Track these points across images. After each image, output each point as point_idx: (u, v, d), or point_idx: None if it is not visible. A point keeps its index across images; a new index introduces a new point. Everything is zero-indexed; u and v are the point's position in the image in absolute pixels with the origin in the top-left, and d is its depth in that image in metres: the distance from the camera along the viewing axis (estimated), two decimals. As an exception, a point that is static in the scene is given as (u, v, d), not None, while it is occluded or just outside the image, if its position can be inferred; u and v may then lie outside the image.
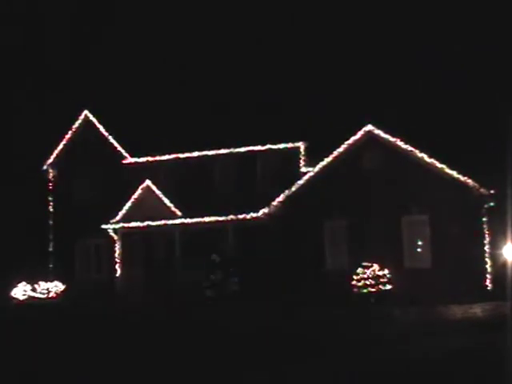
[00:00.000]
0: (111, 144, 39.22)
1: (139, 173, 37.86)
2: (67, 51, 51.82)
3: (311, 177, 33.37)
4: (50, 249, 40.09)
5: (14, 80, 50.63)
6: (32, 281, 37.32)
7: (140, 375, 17.64)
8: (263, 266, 33.53)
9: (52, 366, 19.29)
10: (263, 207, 33.90)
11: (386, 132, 32.47)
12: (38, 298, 36.75)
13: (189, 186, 37.18)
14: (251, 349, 20.53)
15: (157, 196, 36.84)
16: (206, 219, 35.53)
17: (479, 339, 20.48)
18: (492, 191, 30.61)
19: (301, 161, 35.99)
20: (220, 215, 35.32)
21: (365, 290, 30.41)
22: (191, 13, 53.28)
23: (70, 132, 40.22)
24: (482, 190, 30.81)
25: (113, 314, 30.81)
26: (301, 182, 33.56)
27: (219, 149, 37.15)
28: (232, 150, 36.98)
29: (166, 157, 38.03)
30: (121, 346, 22.35)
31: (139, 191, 37.07)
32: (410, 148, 31.96)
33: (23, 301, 36.72)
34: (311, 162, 34.83)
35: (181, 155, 37.74)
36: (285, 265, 32.98)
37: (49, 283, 37.36)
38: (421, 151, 31.77)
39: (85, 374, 18.00)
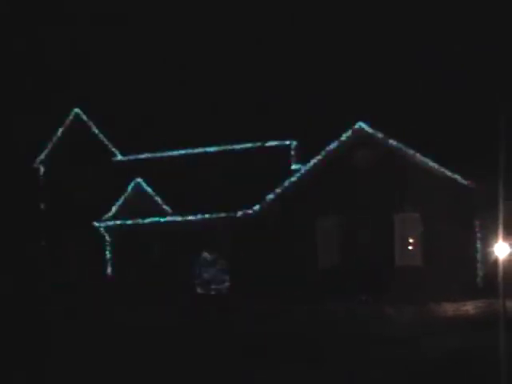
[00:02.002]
0: (102, 141, 39.11)
1: (130, 170, 37.74)
2: (59, 49, 51.63)
3: (302, 174, 33.34)
4: (41, 246, 39.95)
5: (5, 78, 50.41)
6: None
7: (140, 375, 17.62)
8: (254, 263, 33.51)
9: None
10: (254, 205, 33.84)
11: (377, 129, 32.46)
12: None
13: (179, 184, 37.06)
14: (251, 349, 20.51)
15: (148, 194, 36.74)
16: (197, 217, 35.45)
17: (472, 337, 20.52)
18: (484, 189, 30.60)
19: (292, 158, 35.92)
20: (211, 213, 35.25)
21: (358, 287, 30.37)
22: (184, 9, 53.14)
23: (60, 129, 40.08)
24: (473, 187, 30.83)
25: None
26: (292, 179, 33.53)
27: (210, 146, 37.07)
28: (223, 147, 36.91)
29: (157, 154, 37.94)
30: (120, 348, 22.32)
31: (130, 189, 36.97)
32: (401, 146, 31.97)
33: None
34: (302, 160, 34.77)
35: (172, 153, 37.65)
36: (277, 263, 32.94)
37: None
38: (413, 149, 31.78)
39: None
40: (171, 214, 36.12)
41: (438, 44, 44.27)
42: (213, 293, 33.00)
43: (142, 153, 38.23)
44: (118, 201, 37.09)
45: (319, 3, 50.08)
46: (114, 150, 38.86)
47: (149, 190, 36.73)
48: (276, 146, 36.25)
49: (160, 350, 21.31)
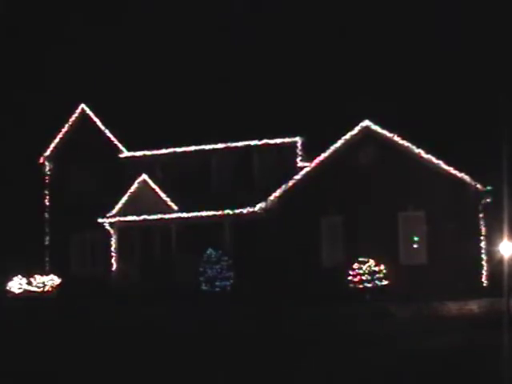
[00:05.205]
0: (108, 138, 39.11)
1: (136, 167, 37.77)
2: (64, 44, 51.71)
3: (308, 172, 33.35)
4: (46, 242, 40.02)
5: (10, 73, 50.52)
6: (28, 274, 37.24)
7: (138, 374, 17.65)
8: (259, 261, 33.53)
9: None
10: (260, 202, 33.87)
11: (383, 128, 32.45)
12: (33, 291, 36.65)
13: (185, 181, 37.11)
14: (250, 349, 20.50)
15: (153, 190, 36.77)
16: (203, 214, 35.47)
17: (475, 336, 20.50)
18: (488, 187, 30.62)
19: (298, 156, 35.95)
20: (216, 210, 35.26)
21: (361, 286, 30.43)
22: (189, 6, 53.20)
23: (66, 125, 40.11)
24: (478, 186, 30.84)
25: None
26: (297, 177, 33.54)
27: (216, 143, 37.08)
28: (229, 144, 36.92)
29: (163, 151, 37.94)
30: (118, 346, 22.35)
31: (135, 185, 36.99)
32: (406, 144, 31.97)
33: (19, 294, 36.64)
34: (308, 157, 34.80)
35: (177, 149, 37.65)
36: (281, 260, 32.95)
37: (45, 277, 37.28)
38: (418, 147, 31.78)
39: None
40: (176, 211, 36.14)
41: (443, 41, 44.22)
42: (217, 290, 33.00)
43: (148, 149, 38.24)
44: (123, 197, 37.11)
45: (326, 4, 50.08)
46: (120, 146, 38.87)
47: (154, 186, 36.76)
48: (282, 144, 36.24)
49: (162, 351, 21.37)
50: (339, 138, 32.95)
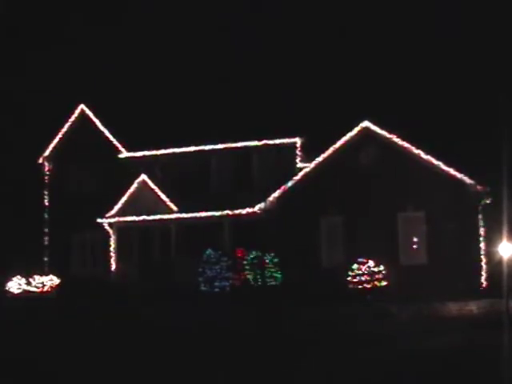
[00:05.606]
0: (107, 138, 39.12)
1: (135, 167, 37.79)
2: (63, 44, 51.71)
3: (307, 172, 33.36)
4: (46, 242, 40.02)
5: (10, 73, 50.50)
6: (27, 274, 37.24)
7: (138, 374, 17.64)
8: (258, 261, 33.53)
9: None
10: (259, 202, 33.88)
11: (382, 128, 32.48)
12: (32, 291, 36.65)
13: (185, 181, 37.14)
14: (250, 349, 20.50)
15: (152, 190, 36.79)
16: (202, 214, 35.50)
17: (475, 336, 20.50)
18: (488, 188, 30.65)
19: (297, 156, 35.99)
20: (216, 210, 35.30)
21: (360, 286, 30.43)
22: (189, 6, 53.22)
23: (66, 125, 40.11)
24: (478, 187, 30.87)
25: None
26: (297, 177, 33.56)
27: (216, 144, 37.10)
28: (228, 145, 36.94)
29: (162, 151, 37.97)
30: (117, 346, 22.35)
31: (135, 185, 37.01)
32: (406, 144, 32.00)
33: (18, 294, 36.64)
34: (307, 158, 34.82)
35: (177, 150, 37.68)
36: (280, 260, 32.93)
37: (44, 277, 37.28)
38: (417, 148, 31.82)
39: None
40: (176, 211, 36.16)
41: (443, 41, 44.27)
42: (216, 290, 33.00)
43: (147, 149, 38.24)
44: (123, 197, 37.12)
45: (326, 4, 50.12)
46: (119, 146, 38.88)
47: (154, 186, 36.78)
48: (282, 144, 36.26)
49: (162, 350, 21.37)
50: (339, 139, 32.97)
